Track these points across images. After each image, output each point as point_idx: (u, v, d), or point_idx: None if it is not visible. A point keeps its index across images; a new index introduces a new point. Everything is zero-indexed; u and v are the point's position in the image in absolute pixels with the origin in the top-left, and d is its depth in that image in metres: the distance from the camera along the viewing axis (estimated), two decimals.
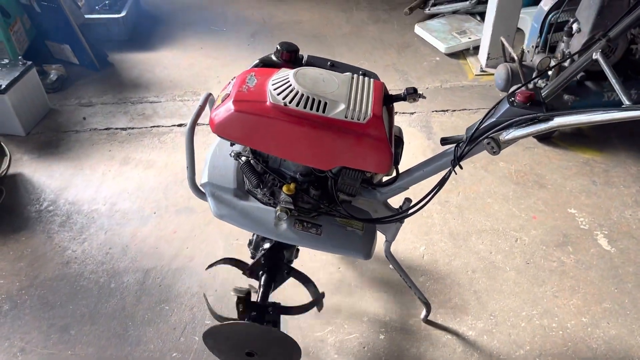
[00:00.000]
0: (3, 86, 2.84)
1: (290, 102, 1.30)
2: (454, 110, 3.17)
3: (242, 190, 1.57)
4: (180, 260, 2.29)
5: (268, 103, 1.30)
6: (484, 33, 3.52)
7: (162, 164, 2.83)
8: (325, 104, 1.31)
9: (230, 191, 1.55)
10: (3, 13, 3.23)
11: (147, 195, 2.63)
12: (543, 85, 2.82)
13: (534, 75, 2.86)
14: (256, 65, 1.51)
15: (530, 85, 2.87)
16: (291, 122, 1.30)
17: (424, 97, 1.49)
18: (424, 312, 2.01)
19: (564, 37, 2.82)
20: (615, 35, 1.44)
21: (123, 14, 3.88)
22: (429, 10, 4.14)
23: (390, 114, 1.52)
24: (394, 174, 1.58)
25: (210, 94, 1.58)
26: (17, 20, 3.42)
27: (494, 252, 2.30)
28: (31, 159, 2.89)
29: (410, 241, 2.35)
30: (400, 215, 1.55)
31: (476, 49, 3.71)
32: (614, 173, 2.70)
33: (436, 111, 3.18)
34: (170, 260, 2.30)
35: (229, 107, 1.32)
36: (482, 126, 1.40)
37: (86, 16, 3.80)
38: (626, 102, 1.23)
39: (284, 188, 1.44)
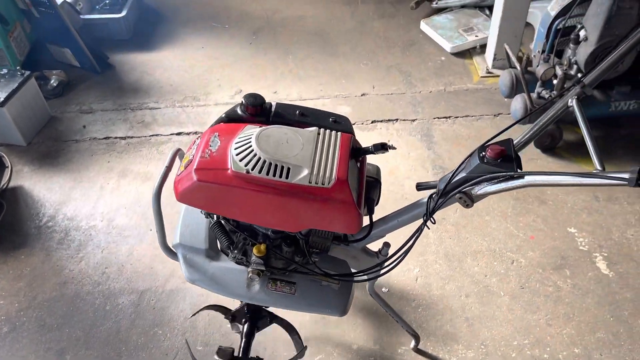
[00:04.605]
0: (2, 99, 2.84)
1: (252, 169, 1.26)
2: (457, 117, 3.10)
3: (214, 250, 1.56)
4: (174, 282, 2.31)
5: (230, 171, 1.27)
6: (490, 33, 3.41)
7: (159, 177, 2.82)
8: (289, 169, 1.27)
9: (202, 252, 1.54)
10: (1, 20, 3.21)
11: (143, 211, 2.64)
12: (547, 95, 2.73)
13: (537, 86, 2.77)
14: (221, 120, 1.46)
15: (534, 95, 2.79)
16: (254, 190, 1.27)
17: (394, 148, 1.44)
18: (413, 342, 2.01)
19: (571, 45, 2.72)
20: (590, 81, 1.38)
21: (123, 13, 3.83)
22: (436, 4, 4.01)
23: (362, 165, 1.47)
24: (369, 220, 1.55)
25: (179, 150, 1.56)
26: (17, 25, 3.41)
27: (489, 275, 2.27)
28: (32, 170, 2.91)
29: (404, 262, 2.31)
30: (376, 272, 1.53)
31: (483, 47, 3.60)
32: (619, 189, 2.62)
33: (438, 118, 3.11)
34: (165, 282, 2.32)
35: (190, 176, 1.29)
36: (454, 180, 1.36)
37: (87, 16, 3.78)
38: (598, 167, 1.18)
39: (255, 250, 1.42)
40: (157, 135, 3.10)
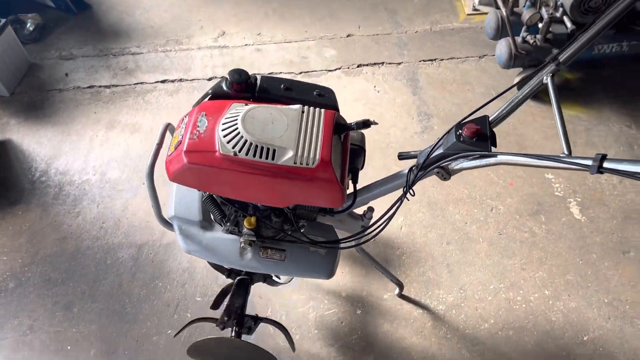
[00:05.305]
0: None
1: (240, 151, 1.30)
2: (442, 60, 3.11)
3: (207, 221, 1.63)
4: (171, 235, 2.41)
5: (218, 154, 1.31)
6: None
7: (147, 127, 2.85)
8: (275, 151, 1.32)
9: (196, 224, 1.61)
10: None
11: (135, 164, 2.69)
12: (531, 41, 2.74)
13: (522, 30, 2.77)
14: (207, 96, 1.49)
15: (519, 40, 2.79)
16: (242, 171, 1.32)
17: (376, 124, 1.49)
18: (397, 289, 2.17)
19: None
20: (565, 59, 1.42)
21: None
22: None
23: (345, 139, 1.52)
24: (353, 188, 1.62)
25: (168, 124, 1.59)
26: None
27: (469, 222, 2.40)
28: (18, 123, 2.91)
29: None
30: (359, 239, 1.63)
31: None
32: (596, 132, 2.72)
33: (424, 61, 3.11)
34: (161, 235, 2.42)
35: (180, 157, 1.33)
36: (432, 155, 1.43)
37: None
38: (565, 151, 1.25)
39: (246, 222, 1.50)
40: (141, 83, 3.08)
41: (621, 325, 2.07)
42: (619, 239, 2.32)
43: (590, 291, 2.18)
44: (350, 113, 2.85)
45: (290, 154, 1.32)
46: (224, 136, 1.32)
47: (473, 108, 2.78)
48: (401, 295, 2.19)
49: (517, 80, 2.80)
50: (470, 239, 2.35)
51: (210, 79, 3.08)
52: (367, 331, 2.10)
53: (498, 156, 1.30)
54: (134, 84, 3.07)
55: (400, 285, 2.14)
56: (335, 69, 3.10)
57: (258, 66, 3.14)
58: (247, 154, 1.31)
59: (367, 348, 2.06)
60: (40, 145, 2.80)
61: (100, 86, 3.08)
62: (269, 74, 3.11)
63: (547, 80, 1.43)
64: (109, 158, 2.73)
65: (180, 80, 3.07)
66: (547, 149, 2.64)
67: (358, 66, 3.11)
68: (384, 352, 2.04)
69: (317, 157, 1.34)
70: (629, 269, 2.23)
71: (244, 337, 1.71)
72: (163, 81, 3.08)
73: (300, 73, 3.10)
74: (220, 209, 1.56)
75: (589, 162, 1.10)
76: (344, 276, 2.26)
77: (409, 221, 2.41)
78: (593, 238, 2.33)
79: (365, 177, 1.56)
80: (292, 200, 1.43)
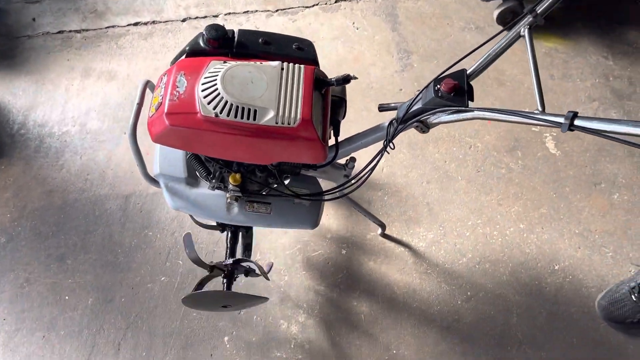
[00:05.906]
0: None
1: (221, 113, 1.32)
2: None
3: (193, 177, 1.67)
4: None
5: (199, 115, 1.32)
6: None
7: (124, 74, 2.80)
8: (255, 111, 1.33)
9: (182, 181, 1.65)
10: None
11: (114, 113, 2.67)
12: None
13: None
14: (183, 53, 1.48)
15: None
16: (224, 132, 1.34)
17: (356, 78, 1.50)
18: (380, 229, 2.26)
19: None
20: (542, 10, 1.42)
21: None
22: None
23: (326, 94, 1.54)
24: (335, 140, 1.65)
25: (148, 82, 1.58)
26: None
27: (448, 160, 2.47)
28: None
29: (371, 154, 2.49)
30: (341, 191, 1.68)
31: None
32: (573, 64, 2.74)
33: None
34: (147, 185, 2.40)
35: (162, 120, 1.34)
36: (411, 110, 1.47)
37: None
38: (539, 107, 1.29)
39: (231, 179, 1.54)
40: (113, 26, 2.98)
41: (590, 254, 2.21)
42: (592, 172, 2.42)
43: (563, 223, 2.29)
44: (329, 52, 2.83)
45: (271, 114, 1.34)
46: (204, 97, 1.33)
47: (452, 43, 2.80)
48: (384, 235, 2.28)
49: (496, 13, 2.77)
50: (450, 177, 2.42)
51: (184, 20, 2.99)
52: (352, 270, 2.21)
53: (475, 111, 1.34)
54: (106, 28, 2.98)
55: (383, 226, 2.23)
56: (313, 5, 3.02)
57: (233, 6, 3.04)
58: (228, 115, 1.33)
59: (352, 286, 2.18)
60: (15, 96, 2.74)
61: (70, 31, 2.98)
62: (244, 12, 3.03)
63: (525, 32, 1.44)
64: (87, 108, 2.69)
65: (154, 22, 2.98)
66: (525, 85, 2.67)
67: (336, 1, 3.03)
68: (368, 288, 2.17)
69: (298, 116, 1.36)
70: (600, 200, 2.34)
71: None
72: (135, 24, 2.99)
73: (277, 11, 3.02)
74: (205, 167, 1.60)
75: (561, 120, 1.15)
76: (329, 219, 2.33)
77: (390, 162, 2.47)
78: (567, 172, 2.42)
79: (347, 120, 1.59)
80: (274, 158, 1.47)
